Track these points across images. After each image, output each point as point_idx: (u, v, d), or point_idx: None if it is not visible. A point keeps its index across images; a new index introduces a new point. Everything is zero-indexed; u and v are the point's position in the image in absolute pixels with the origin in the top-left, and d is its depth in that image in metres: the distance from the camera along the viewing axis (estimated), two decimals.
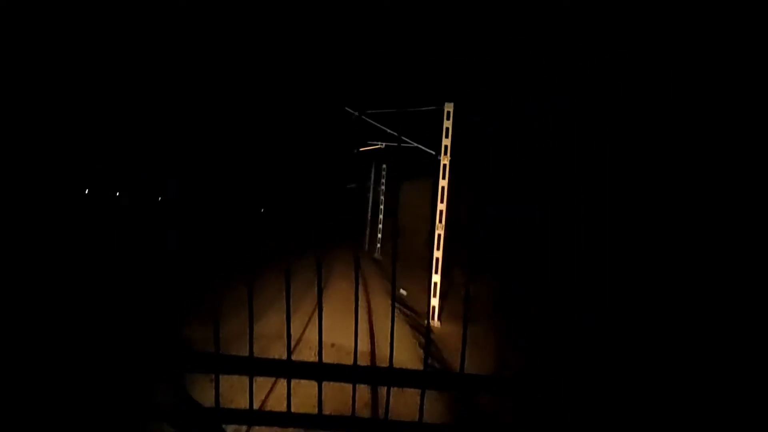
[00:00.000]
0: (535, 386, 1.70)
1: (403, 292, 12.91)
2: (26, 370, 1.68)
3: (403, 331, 8.39)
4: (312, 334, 7.36)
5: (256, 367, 1.72)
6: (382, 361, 6.35)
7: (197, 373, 2.02)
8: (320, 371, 1.71)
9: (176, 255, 10.40)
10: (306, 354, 6.21)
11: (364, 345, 7.25)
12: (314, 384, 1.81)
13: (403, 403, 2.79)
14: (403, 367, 1.76)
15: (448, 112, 10.81)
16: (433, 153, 11.54)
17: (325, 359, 1.81)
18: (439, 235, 10.75)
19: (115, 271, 8.72)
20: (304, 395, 4.44)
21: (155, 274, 8.88)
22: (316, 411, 1.82)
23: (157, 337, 5.06)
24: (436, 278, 10.43)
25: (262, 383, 4.34)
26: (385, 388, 1.95)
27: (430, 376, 1.71)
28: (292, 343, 6.82)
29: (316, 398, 1.84)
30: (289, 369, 1.73)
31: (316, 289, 8.07)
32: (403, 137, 15.12)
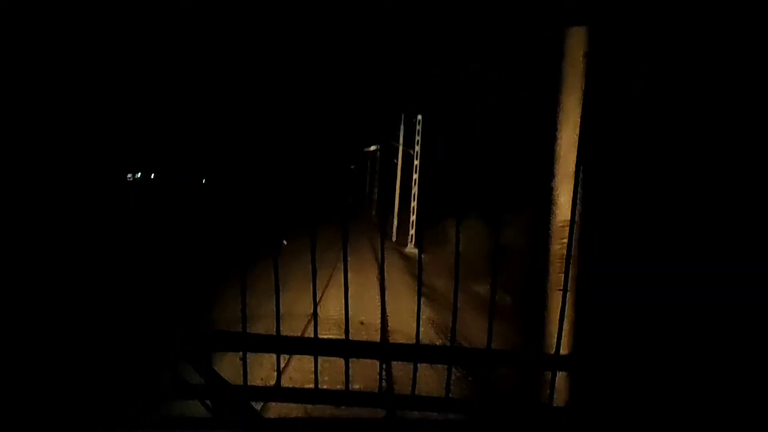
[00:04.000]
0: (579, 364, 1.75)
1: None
2: (59, 346, 1.75)
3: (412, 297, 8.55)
4: (325, 311, 7.50)
5: (283, 345, 1.79)
6: (395, 334, 6.43)
7: (222, 352, 2.09)
8: (347, 349, 1.78)
9: (201, 238, 10.58)
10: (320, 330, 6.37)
11: (375, 318, 7.38)
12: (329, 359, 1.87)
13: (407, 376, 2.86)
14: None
15: None
16: None
17: (340, 335, 1.87)
18: None
19: (142, 252, 8.91)
20: (308, 370, 4.53)
21: (181, 255, 9.07)
22: (335, 386, 1.89)
23: (185, 318, 5.20)
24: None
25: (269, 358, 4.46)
26: (403, 363, 2.01)
27: (458, 352, 1.77)
28: (305, 319, 6.98)
29: (327, 371, 1.91)
30: (317, 347, 1.79)
31: (327, 266, 8.18)
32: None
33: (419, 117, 16.98)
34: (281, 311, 1.89)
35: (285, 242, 12.59)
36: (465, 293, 9.11)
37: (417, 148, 17.03)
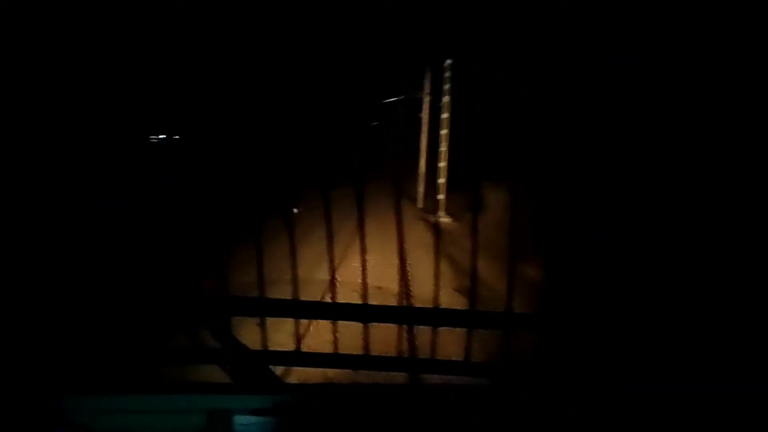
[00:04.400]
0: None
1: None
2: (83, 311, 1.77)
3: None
4: (345, 277, 7.52)
5: (302, 310, 1.79)
6: (418, 301, 6.40)
7: (241, 317, 2.09)
8: (366, 313, 1.76)
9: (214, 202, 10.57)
10: (340, 297, 6.40)
11: (395, 285, 7.34)
12: (349, 325, 1.86)
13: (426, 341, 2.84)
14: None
15: None
16: None
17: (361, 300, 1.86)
18: None
19: (155, 217, 8.97)
20: (325, 341, 4.56)
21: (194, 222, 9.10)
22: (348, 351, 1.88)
23: (202, 284, 5.26)
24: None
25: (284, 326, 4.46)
26: (422, 327, 1.99)
27: (477, 315, 1.75)
28: (324, 286, 7.02)
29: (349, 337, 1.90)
30: (335, 311, 1.78)
31: (348, 232, 8.10)
32: None
33: (449, 62, 14.77)
34: (299, 277, 1.88)
35: (296, 210, 11.38)
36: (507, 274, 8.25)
37: (446, 98, 14.59)
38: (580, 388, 1.45)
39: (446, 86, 14.70)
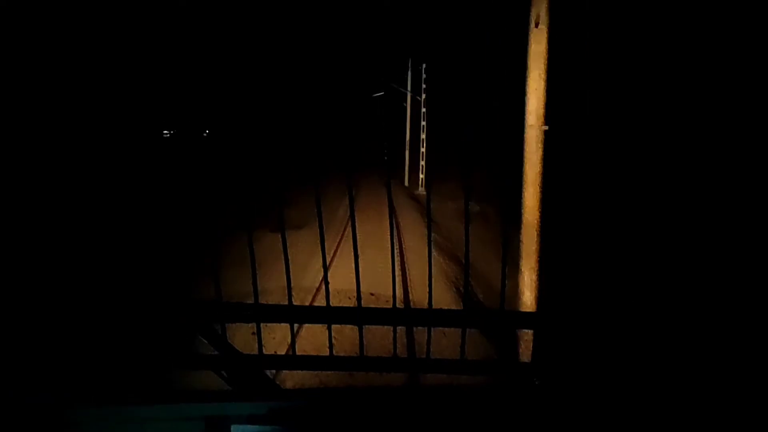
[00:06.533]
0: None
1: None
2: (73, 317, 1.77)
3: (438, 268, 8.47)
4: (333, 284, 7.47)
5: (297, 314, 1.80)
6: (419, 305, 6.40)
7: (234, 324, 2.10)
8: (361, 316, 1.78)
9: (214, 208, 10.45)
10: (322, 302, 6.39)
11: (396, 291, 7.30)
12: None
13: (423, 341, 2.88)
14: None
15: None
16: None
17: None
18: None
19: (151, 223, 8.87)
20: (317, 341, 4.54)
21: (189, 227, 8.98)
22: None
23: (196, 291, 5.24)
24: None
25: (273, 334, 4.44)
26: (420, 330, 2.01)
27: (472, 315, 1.77)
28: (309, 294, 6.99)
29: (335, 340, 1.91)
30: (330, 315, 1.80)
31: (333, 231, 8.00)
32: None
33: (424, 65, 17.94)
34: (282, 285, 1.90)
35: None
36: None
37: (424, 95, 18.14)
38: (581, 389, 1.46)
39: (424, 85, 18.01)
